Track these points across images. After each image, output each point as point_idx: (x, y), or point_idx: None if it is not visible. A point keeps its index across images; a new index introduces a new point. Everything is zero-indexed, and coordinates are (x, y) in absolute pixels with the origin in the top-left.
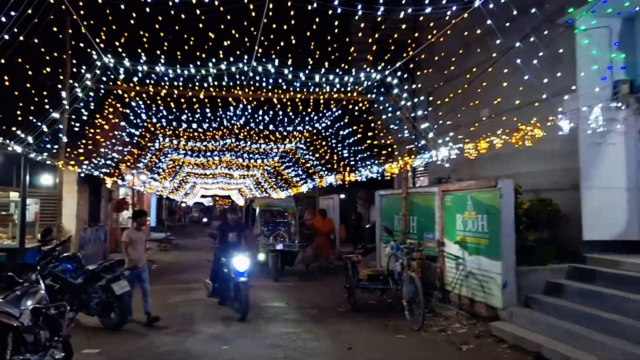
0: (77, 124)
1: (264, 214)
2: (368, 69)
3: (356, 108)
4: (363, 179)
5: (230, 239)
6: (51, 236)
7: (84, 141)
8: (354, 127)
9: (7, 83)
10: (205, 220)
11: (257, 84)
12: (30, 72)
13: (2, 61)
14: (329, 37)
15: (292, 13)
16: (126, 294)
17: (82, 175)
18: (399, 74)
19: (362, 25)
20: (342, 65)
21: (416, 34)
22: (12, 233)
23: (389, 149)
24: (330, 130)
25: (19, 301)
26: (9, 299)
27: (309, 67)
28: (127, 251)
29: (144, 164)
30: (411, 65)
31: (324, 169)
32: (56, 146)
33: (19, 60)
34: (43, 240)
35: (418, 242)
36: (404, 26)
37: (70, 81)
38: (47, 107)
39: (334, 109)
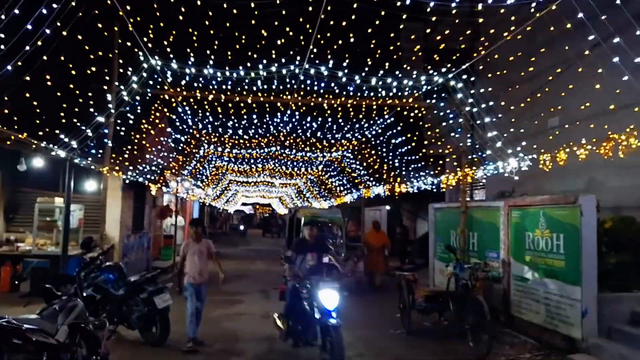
0: (123, 129)
1: (309, 224)
2: (430, 70)
3: (411, 115)
4: (414, 191)
5: (310, 261)
6: (95, 242)
7: (129, 147)
8: (408, 135)
9: (49, 83)
10: (242, 228)
11: (308, 88)
12: (74, 72)
13: (45, 58)
14: (380, 40)
15: (351, 8)
16: (168, 308)
17: (127, 181)
18: (460, 77)
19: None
20: (393, 70)
21: (476, 36)
22: (56, 239)
23: (446, 159)
24: (380, 139)
25: (55, 317)
26: (45, 315)
27: (363, 70)
28: (183, 264)
29: (188, 170)
30: (465, 67)
31: (371, 179)
32: (101, 151)
33: (63, 58)
34: (85, 250)
35: (484, 262)
36: (464, 27)
37: (117, 83)
38: (92, 110)
39: (387, 116)
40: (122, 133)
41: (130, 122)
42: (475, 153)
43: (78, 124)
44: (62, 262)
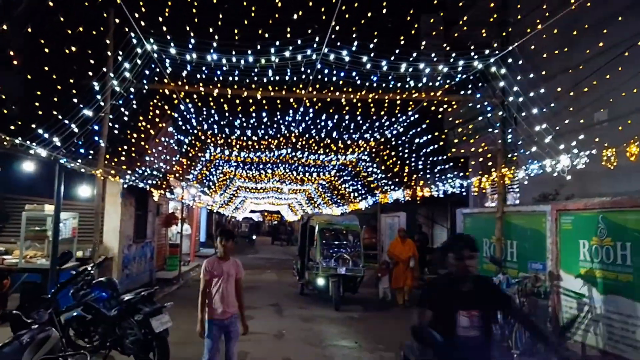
0: (119, 127)
1: (324, 233)
2: (458, 59)
3: (439, 110)
4: (438, 195)
5: (465, 327)
6: (72, 257)
7: (126, 147)
8: (435, 134)
9: (30, 74)
10: (253, 237)
11: (326, 79)
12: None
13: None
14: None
15: None
16: (167, 332)
17: (127, 187)
18: (497, 64)
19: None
20: (423, 56)
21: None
22: (47, 251)
23: (471, 161)
24: (402, 138)
25: (20, 352)
26: (6, 352)
27: (390, 55)
28: (202, 295)
29: (193, 175)
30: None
31: (389, 182)
32: (92, 152)
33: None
34: (60, 266)
35: (534, 276)
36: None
37: (112, 74)
38: (82, 104)
39: (411, 112)
40: (117, 132)
41: (127, 119)
42: (514, 150)
43: (61, 117)
44: (51, 277)
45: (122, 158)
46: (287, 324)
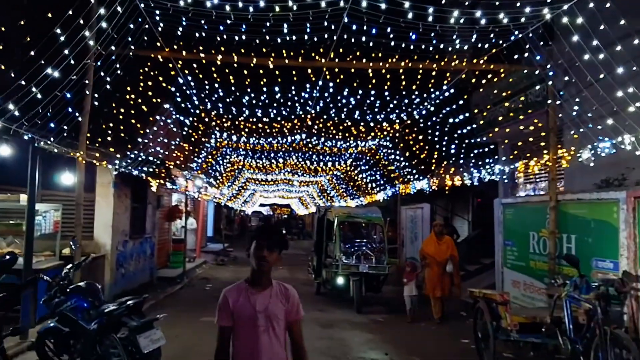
0: (103, 101)
1: (344, 226)
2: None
3: (469, 89)
4: (473, 183)
5: None
6: (77, 257)
7: (115, 126)
8: (475, 111)
9: None
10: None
11: (353, 39)
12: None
13: None
14: None
15: None
16: (158, 351)
17: (120, 175)
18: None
19: None
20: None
21: None
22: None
23: (501, 145)
24: (433, 119)
25: None
26: None
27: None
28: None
29: (197, 164)
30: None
31: (413, 171)
32: (74, 132)
33: None
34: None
35: (620, 279)
36: None
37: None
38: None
39: (447, 86)
40: (104, 107)
41: (115, 92)
42: (571, 128)
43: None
44: (24, 277)
45: (109, 138)
46: (304, 331)
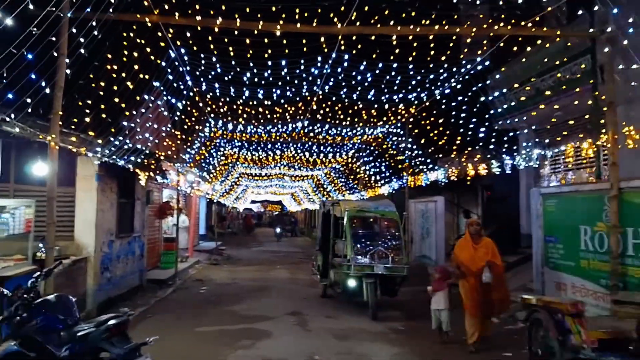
0: (80, 76)
1: (355, 222)
2: None
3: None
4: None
5: None
6: (49, 262)
7: (91, 103)
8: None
9: None
10: (277, 230)
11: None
12: None
13: None
14: None
15: None
16: None
17: (104, 165)
18: None
19: None
20: None
21: None
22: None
23: (523, 131)
24: (460, 99)
25: None
26: None
27: None
28: None
29: (190, 156)
30: None
31: (428, 160)
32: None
33: None
34: None
35: None
36: None
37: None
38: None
39: (482, 57)
40: (81, 83)
41: (93, 62)
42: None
43: None
44: None
45: (87, 119)
46: (316, 343)
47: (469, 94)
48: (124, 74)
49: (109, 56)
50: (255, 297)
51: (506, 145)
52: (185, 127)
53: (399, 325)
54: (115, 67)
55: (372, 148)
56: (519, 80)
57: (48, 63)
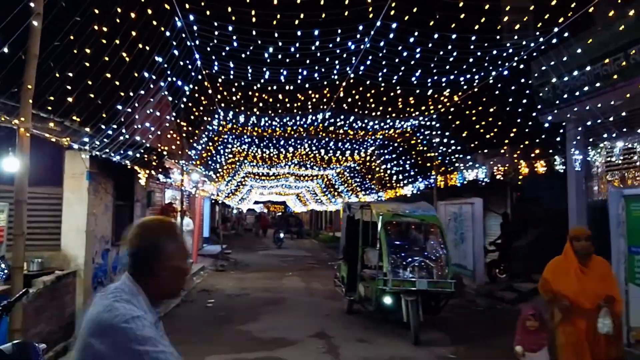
0: (53, 42)
1: (391, 228)
2: None
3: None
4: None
5: None
6: (14, 288)
7: (74, 80)
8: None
9: None
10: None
11: None
12: None
13: None
14: None
15: None
16: None
17: (96, 161)
18: None
19: None
20: None
21: None
22: None
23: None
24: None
25: None
26: None
27: None
28: None
29: (196, 152)
30: None
31: (467, 157)
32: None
33: None
34: None
35: None
36: None
37: None
38: None
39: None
40: (63, 55)
41: (76, 27)
42: None
43: None
44: None
45: (69, 99)
46: None
47: (515, 80)
48: (117, 41)
49: (97, 12)
50: (270, 312)
51: (551, 141)
52: (192, 117)
53: (448, 352)
54: (105, 29)
55: (396, 144)
56: (575, 64)
57: (19, 23)
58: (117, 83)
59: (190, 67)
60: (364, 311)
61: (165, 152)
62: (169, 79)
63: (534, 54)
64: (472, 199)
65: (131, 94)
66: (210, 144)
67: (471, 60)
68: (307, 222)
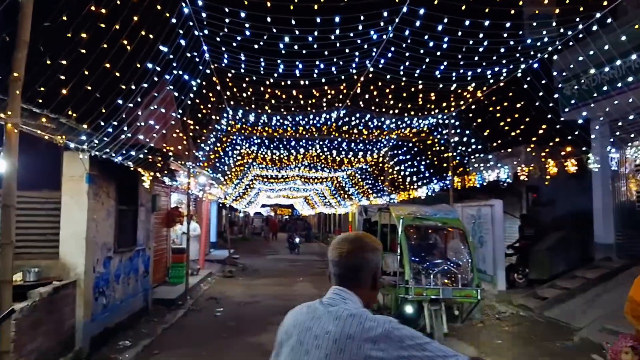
0: (47, 29)
1: (412, 233)
2: None
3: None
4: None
5: None
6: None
7: (64, 62)
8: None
9: None
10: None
11: None
12: None
13: None
14: None
15: None
16: None
17: (97, 162)
18: None
19: None
20: None
21: None
22: None
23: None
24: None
25: None
26: None
27: None
28: None
29: (204, 153)
30: None
31: (491, 155)
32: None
33: None
34: None
35: None
36: None
37: None
38: None
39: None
40: (59, 44)
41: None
42: None
43: None
44: None
45: (63, 91)
46: None
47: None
48: (117, 26)
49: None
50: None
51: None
52: (199, 115)
53: None
54: (103, 11)
55: (410, 144)
56: (603, 57)
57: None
58: (118, 74)
59: (197, 59)
60: None
61: (170, 153)
62: (175, 71)
63: (559, 47)
64: (491, 201)
65: (133, 87)
66: (218, 144)
67: (502, 50)
68: (315, 226)
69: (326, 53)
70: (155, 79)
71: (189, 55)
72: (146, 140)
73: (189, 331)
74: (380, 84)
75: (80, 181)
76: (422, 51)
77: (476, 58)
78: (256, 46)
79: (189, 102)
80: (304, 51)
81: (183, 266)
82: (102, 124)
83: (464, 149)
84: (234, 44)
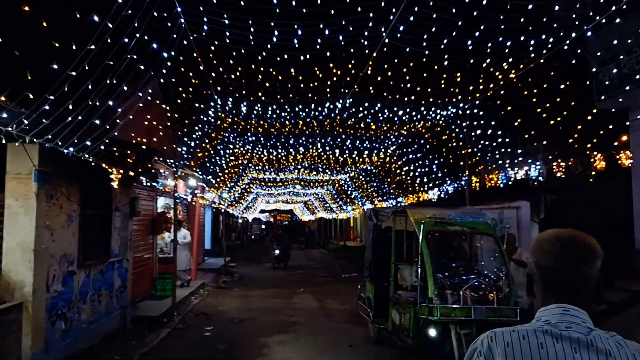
0: None
1: (435, 240)
2: None
3: None
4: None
5: None
6: None
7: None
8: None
9: None
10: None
11: None
12: None
13: None
14: None
15: None
16: None
17: (51, 156)
18: None
19: None
20: None
21: None
22: None
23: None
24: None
25: None
26: None
27: None
28: None
29: (189, 149)
30: None
31: (518, 151)
32: None
33: None
34: None
35: None
36: None
37: None
38: None
39: None
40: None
41: None
42: None
43: None
44: None
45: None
46: None
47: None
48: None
49: None
50: (280, 343)
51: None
52: (179, 101)
53: None
54: None
55: (422, 141)
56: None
57: None
58: (73, 47)
59: (169, 24)
60: (388, 339)
61: (144, 146)
62: (137, 35)
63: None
64: (517, 203)
65: (75, 48)
66: (207, 140)
67: (557, 8)
68: (315, 231)
69: (332, 12)
70: (109, 40)
71: (155, 14)
72: (106, 127)
73: (171, 356)
74: (396, 60)
75: (28, 180)
76: (454, 10)
77: (522, 19)
78: (243, 2)
79: (162, 81)
80: (304, 10)
81: (171, 278)
82: (47, 107)
83: (486, 142)
84: (215, 1)
